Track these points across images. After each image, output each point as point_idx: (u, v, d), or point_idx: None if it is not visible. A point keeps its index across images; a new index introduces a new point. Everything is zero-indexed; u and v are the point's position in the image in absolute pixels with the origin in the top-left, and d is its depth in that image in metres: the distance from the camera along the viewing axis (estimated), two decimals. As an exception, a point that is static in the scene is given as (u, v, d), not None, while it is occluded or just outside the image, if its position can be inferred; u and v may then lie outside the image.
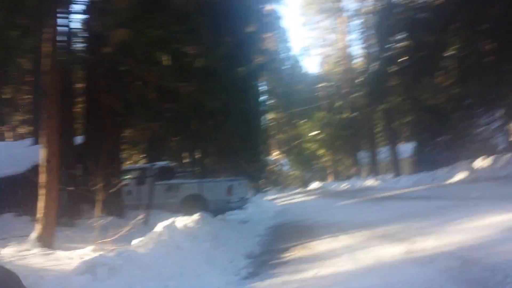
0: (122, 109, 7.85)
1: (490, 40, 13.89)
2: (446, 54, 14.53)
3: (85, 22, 8.99)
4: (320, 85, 40.29)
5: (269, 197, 26.50)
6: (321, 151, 39.66)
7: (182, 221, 6.36)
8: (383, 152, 32.87)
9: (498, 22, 13.08)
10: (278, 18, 40.14)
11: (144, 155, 17.91)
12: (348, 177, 34.85)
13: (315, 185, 36.64)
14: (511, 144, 23.80)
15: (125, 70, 7.11)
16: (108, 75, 7.24)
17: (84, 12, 8.60)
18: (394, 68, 15.04)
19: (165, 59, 7.18)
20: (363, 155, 35.28)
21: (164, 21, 6.38)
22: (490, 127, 22.50)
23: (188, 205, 10.38)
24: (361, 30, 33.57)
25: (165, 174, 12.34)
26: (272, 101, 48.95)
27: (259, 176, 31.91)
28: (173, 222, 5.95)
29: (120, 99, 7.47)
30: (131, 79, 7.49)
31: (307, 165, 44.64)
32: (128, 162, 18.75)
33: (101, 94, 7.92)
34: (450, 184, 13.50)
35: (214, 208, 10.22)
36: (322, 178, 41.03)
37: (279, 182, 45.60)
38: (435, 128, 21.82)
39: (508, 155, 14.12)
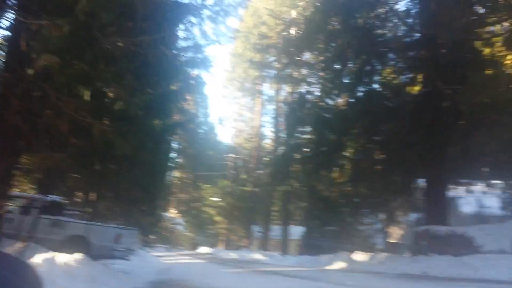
0: (28, 132, 7.43)
1: (380, 151, 15.72)
2: (344, 154, 16.04)
3: (9, 40, 8.55)
4: (229, 155, 41.29)
5: (156, 253, 25.38)
6: (217, 218, 39.65)
7: (63, 258, 6.01)
8: (275, 230, 33.97)
9: (388, 137, 14.96)
10: (202, 83, 41.41)
11: (35, 186, 16.61)
12: (238, 247, 34.98)
13: (204, 249, 36.06)
14: (389, 245, 26.30)
15: (42, 95, 6.87)
16: (24, 96, 6.92)
17: (9, 29, 8.20)
18: (297, 156, 16.24)
19: (85, 94, 7.12)
20: (256, 229, 35.99)
21: (94, 58, 6.44)
22: (372, 227, 24.85)
23: (70, 245, 9.73)
24: (274, 115, 35.96)
25: (53, 209, 11.61)
26: (180, 160, 48.71)
27: (151, 229, 30.71)
28: (53, 257, 5.62)
29: (29, 121, 7.10)
30: (45, 105, 7.21)
31: (201, 229, 44.04)
32: (15, 189, 17.17)
33: (12, 113, 7.48)
34: (330, 270, 14.33)
35: (97, 253, 9.72)
36: (213, 244, 40.61)
37: (169, 240, 44.03)
38: (324, 217, 23.45)
39: (384, 254, 15.51)
